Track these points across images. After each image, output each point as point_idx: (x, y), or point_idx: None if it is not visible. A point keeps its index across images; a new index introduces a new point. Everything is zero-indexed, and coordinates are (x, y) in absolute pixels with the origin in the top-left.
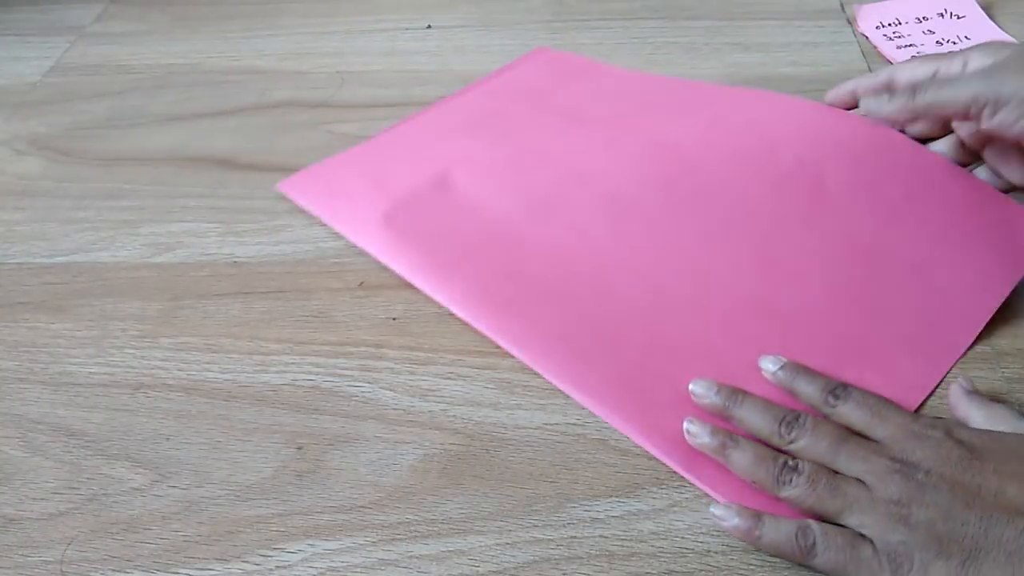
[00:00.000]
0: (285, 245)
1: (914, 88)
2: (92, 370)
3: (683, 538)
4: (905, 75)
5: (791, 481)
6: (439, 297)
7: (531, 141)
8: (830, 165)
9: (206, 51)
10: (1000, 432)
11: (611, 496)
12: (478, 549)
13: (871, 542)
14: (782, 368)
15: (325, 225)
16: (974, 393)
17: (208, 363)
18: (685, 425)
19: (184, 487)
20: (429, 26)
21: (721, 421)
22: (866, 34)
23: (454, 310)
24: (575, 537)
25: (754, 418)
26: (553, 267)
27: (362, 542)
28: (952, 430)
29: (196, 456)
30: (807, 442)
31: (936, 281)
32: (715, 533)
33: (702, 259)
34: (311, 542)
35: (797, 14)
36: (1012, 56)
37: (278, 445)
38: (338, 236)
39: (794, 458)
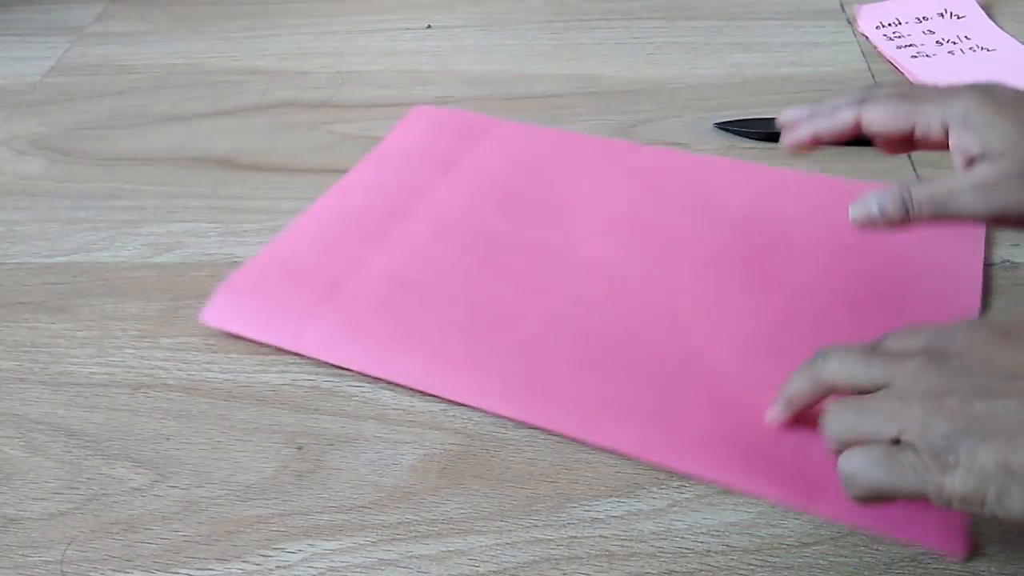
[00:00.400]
0: None
1: (906, 194)
2: (92, 370)
3: (683, 538)
4: (876, 123)
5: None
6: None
7: (454, 212)
8: (771, 208)
9: (207, 51)
10: None
11: (611, 496)
12: (478, 549)
13: (912, 446)
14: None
15: None
16: None
17: (208, 363)
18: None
19: (184, 487)
20: (429, 26)
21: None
22: (866, 34)
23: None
24: (575, 537)
25: (840, 367)
26: (536, 325)
27: (362, 542)
28: (984, 320)
29: (196, 456)
30: (836, 363)
31: (911, 307)
32: (715, 533)
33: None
34: (311, 542)
35: (797, 14)
36: (1018, 162)
37: (278, 445)
38: None
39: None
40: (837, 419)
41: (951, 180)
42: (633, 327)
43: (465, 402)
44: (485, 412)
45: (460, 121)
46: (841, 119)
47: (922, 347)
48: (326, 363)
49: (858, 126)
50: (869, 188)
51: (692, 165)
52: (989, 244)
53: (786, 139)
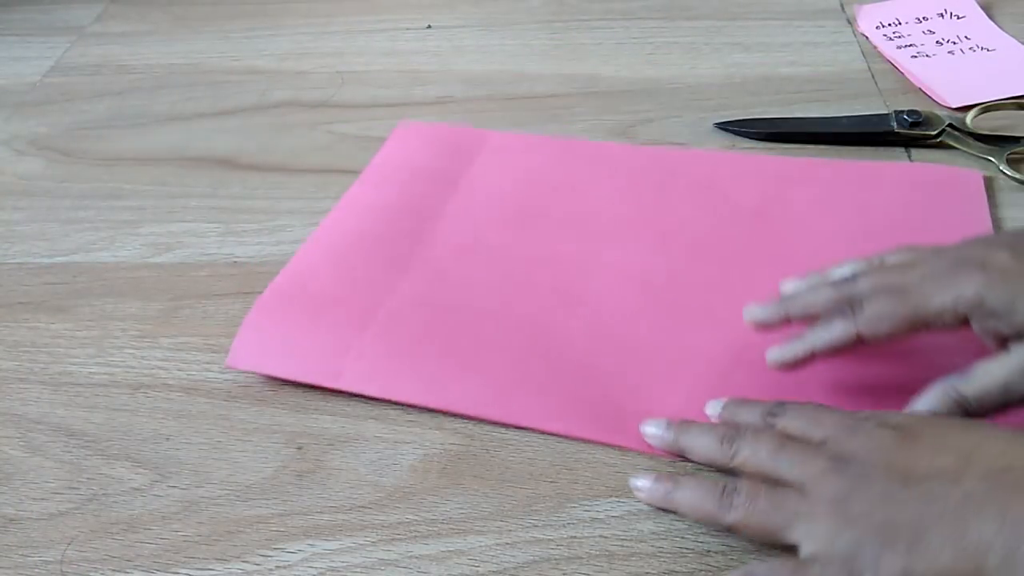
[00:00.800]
0: (285, 245)
1: (957, 396)
2: (92, 370)
3: (683, 538)
4: (882, 332)
5: (732, 504)
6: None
7: (469, 232)
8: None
9: (207, 51)
10: (935, 415)
11: (611, 496)
12: (478, 549)
13: (818, 560)
14: (724, 406)
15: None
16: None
17: (208, 363)
18: (631, 482)
19: (184, 487)
20: (429, 26)
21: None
22: (866, 34)
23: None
24: (575, 537)
25: (698, 442)
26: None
27: (362, 542)
28: (887, 418)
29: (196, 456)
30: (748, 452)
31: None
32: (715, 533)
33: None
34: (311, 542)
35: (797, 14)
36: None
37: (278, 445)
38: None
39: (736, 479)
40: (751, 504)
41: (994, 367)
42: (679, 330)
43: (537, 427)
44: (563, 436)
45: (451, 136)
46: (839, 335)
47: (826, 445)
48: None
49: (859, 337)
50: (871, 166)
51: (694, 161)
52: (996, 223)
53: (776, 353)
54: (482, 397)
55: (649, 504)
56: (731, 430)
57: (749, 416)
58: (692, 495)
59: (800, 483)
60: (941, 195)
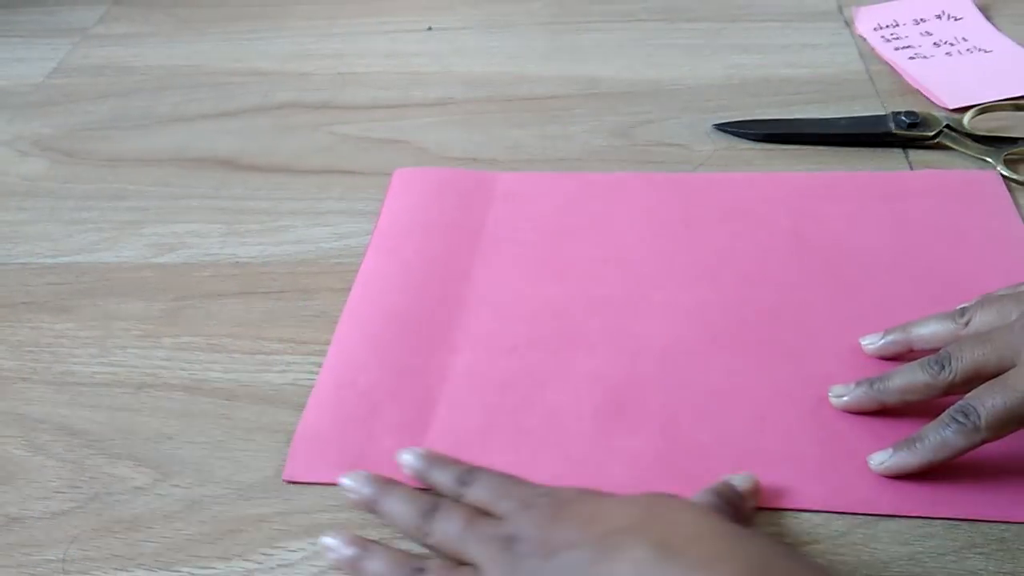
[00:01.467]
0: (287, 245)
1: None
2: (95, 370)
3: None
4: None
5: None
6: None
7: (504, 289)
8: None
9: (209, 52)
10: (587, 491)
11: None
12: None
13: None
14: (417, 459)
15: (327, 226)
16: None
17: (210, 363)
18: (322, 541)
19: (186, 486)
20: (430, 28)
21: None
22: (864, 36)
23: None
24: None
25: (397, 511)
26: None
27: None
28: (559, 493)
29: (198, 455)
30: (441, 531)
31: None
32: None
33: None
34: (312, 540)
35: (796, 16)
36: None
37: (280, 444)
38: (340, 236)
39: (425, 560)
40: None
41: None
42: (753, 369)
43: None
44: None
45: (457, 182)
46: (963, 444)
47: (504, 522)
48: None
49: (985, 443)
50: (890, 176)
51: (713, 185)
52: None
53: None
54: (571, 472)
55: (339, 566)
56: (430, 503)
57: (441, 478)
58: (380, 570)
59: (479, 563)
60: (967, 200)
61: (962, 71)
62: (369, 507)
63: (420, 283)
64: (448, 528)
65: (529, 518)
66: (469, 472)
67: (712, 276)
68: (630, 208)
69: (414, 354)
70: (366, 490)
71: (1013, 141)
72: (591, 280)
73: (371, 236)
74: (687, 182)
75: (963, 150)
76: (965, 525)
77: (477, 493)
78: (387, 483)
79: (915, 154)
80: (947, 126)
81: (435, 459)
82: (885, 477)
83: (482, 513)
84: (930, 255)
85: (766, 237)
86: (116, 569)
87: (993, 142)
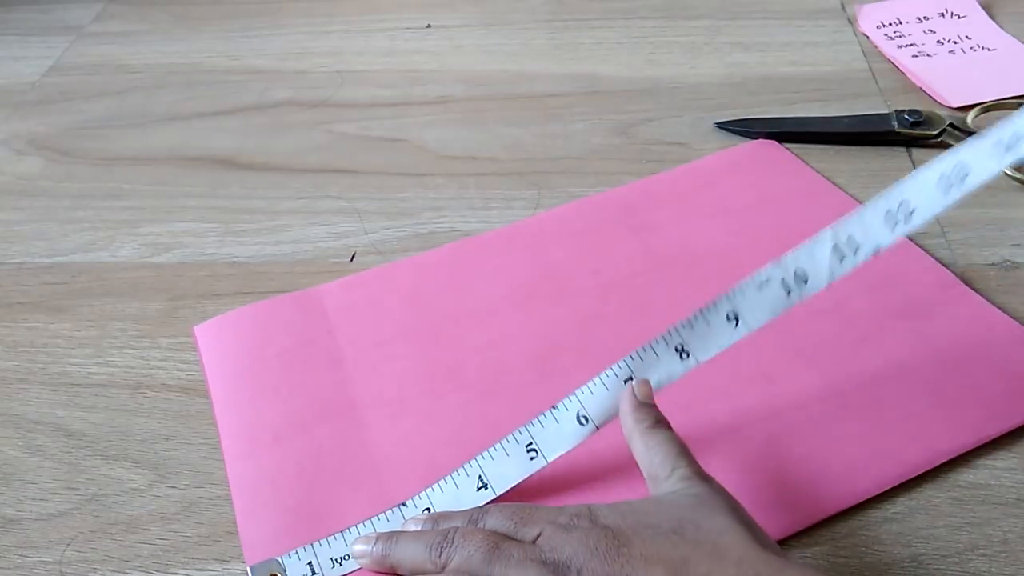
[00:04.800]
0: (284, 245)
1: None
2: (91, 370)
3: None
4: None
5: None
6: None
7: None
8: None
9: (206, 50)
10: (639, 504)
11: None
12: None
13: None
14: (426, 520)
15: (324, 225)
16: (642, 410)
17: None
18: (353, 549)
19: (183, 487)
20: (428, 25)
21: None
22: (867, 33)
23: None
24: None
25: (407, 553)
26: None
27: None
28: (597, 516)
29: (195, 456)
30: (460, 557)
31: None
32: None
33: None
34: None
35: (797, 13)
36: None
37: None
38: (337, 236)
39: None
40: None
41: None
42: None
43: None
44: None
45: (274, 312)
46: None
47: (538, 546)
48: None
49: None
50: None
51: (549, 223)
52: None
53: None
54: None
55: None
56: (440, 536)
57: (451, 525)
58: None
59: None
60: (766, 167)
61: (965, 69)
62: (384, 562)
63: (299, 410)
64: (470, 550)
65: (579, 546)
66: (478, 510)
67: (580, 305)
68: (473, 272)
69: (317, 422)
70: (376, 548)
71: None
72: (474, 345)
73: (210, 404)
74: (519, 229)
75: None
76: (968, 527)
77: (494, 523)
78: (390, 536)
79: (918, 153)
80: (950, 124)
81: (441, 514)
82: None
83: (505, 537)
84: (760, 227)
85: (622, 259)
86: (113, 571)
87: None
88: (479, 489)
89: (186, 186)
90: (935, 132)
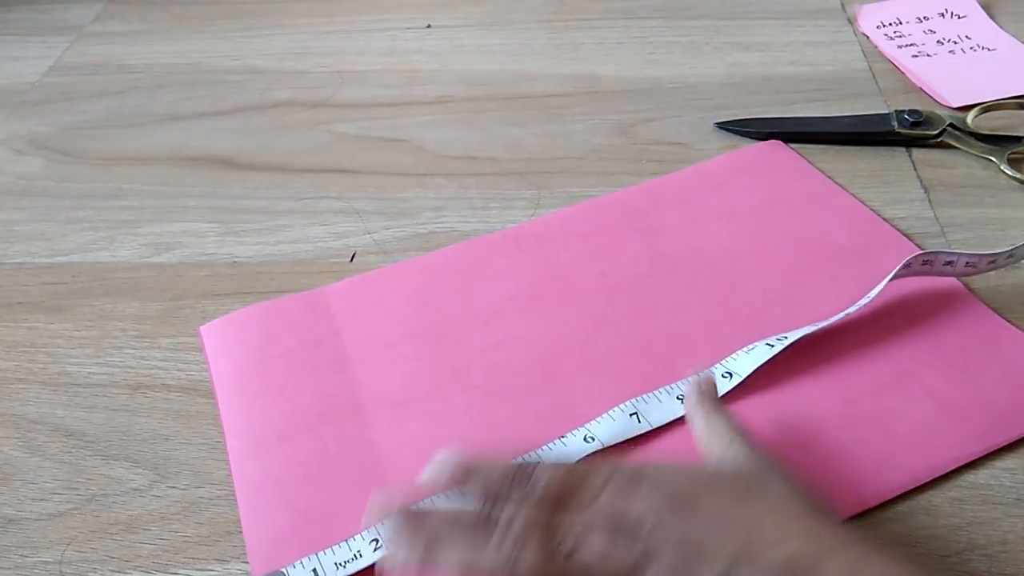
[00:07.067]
0: (285, 245)
1: None
2: (91, 370)
3: None
4: None
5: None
6: None
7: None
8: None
9: (206, 50)
10: (700, 469)
11: None
12: None
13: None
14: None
15: (325, 225)
16: (704, 397)
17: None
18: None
19: (183, 487)
20: (429, 25)
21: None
22: (867, 33)
23: None
24: None
25: (458, 556)
26: None
27: None
28: (661, 475)
29: (195, 456)
30: (530, 555)
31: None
32: None
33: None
34: None
35: (798, 13)
36: None
37: None
38: (337, 236)
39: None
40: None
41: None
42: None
43: None
44: None
45: (280, 312)
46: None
47: (598, 505)
48: None
49: None
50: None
51: (556, 225)
52: (996, 223)
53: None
54: None
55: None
56: (498, 532)
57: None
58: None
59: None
60: (773, 169)
61: (965, 69)
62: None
63: (304, 411)
64: (535, 545)
65: (646, 498)
66: (523, 468)
67: (586, 307)
68: (479, 273)
69: (320, 423)
70: (415, 554)
71: (1017, 140)
72: (481, 348)
73: (215, 405)
74: (525, 230)
75: (967, 149)
76: (968, 527)
77: (545, 487)
78: (425, 527)
79: (918, 153)
80: (951, 125)
81: (471, 468)
82: None
83: (559, 502)
84: (768, 230)
85: (628, 262)
86: (113, 571)
87: (997, 141)
88: None
89: (186, 186)
90: (935, 132)
